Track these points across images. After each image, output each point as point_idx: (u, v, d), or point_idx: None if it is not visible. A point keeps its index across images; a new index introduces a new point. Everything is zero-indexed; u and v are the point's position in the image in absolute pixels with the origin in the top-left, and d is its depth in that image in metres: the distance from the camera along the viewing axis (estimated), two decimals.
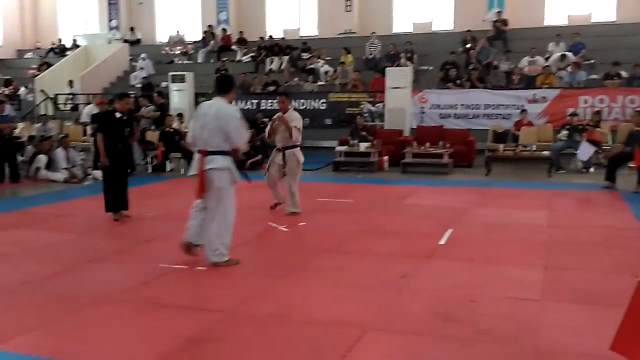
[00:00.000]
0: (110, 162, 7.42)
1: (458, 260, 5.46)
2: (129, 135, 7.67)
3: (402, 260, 5.46)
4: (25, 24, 23.29)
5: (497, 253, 5.72)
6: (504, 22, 17.03)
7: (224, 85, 5.23)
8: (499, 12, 17.25)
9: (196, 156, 5.15)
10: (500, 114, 13.62)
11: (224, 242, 5.15)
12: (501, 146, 11.74)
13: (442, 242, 6.15)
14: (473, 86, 14.31)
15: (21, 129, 13.96)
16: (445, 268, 5.25)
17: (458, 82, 14.51)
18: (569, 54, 15.00)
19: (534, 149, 11.45)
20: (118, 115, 7.53)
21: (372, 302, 4.35)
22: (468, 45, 16.22)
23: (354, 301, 4.38)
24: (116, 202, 7.51)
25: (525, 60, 15.03)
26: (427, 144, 12.02)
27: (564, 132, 11.85)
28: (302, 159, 7.60)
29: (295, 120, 7.51)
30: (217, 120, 4.97)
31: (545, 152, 11.37)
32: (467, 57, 15.68)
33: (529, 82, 14.28)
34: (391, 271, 5.10)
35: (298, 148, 7.58)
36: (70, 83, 18.18)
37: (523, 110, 12.96)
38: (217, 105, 5.11)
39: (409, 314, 4.14)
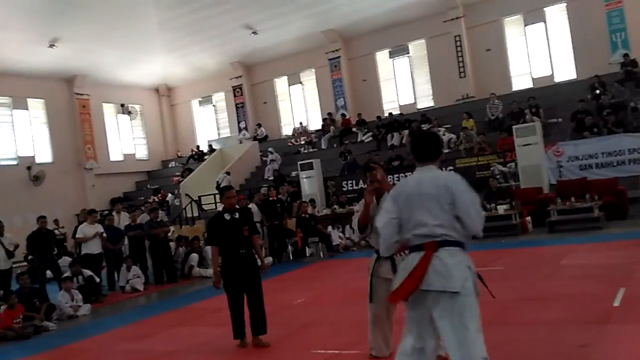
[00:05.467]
0: (232, 274, 5.79)
1: None
2: (249, 235, 5.93)
3: (575, 328, 5.01)
4: (167, 137, 25.90)
5: None
6: (634, 63, 16.01)
7: (431, 148, 3.38)
8: (625, 54, 16.30)
9: (410, 259, 3.26)
10: None
11: None
12: None
13: (616, 303, 5.58)
14: (611, 132, 13.41)
15: (172, 232, 15.14)
16: (630, 333, 4.72)
17: (595, 129, 13.68)
18: None
19: None
20: (227, 216, 5.92)
21: None
22: (598, 91, 15.37)
23: None
24: (244, 324, 5.87)
25: None
26: (572, 199, 11.28)
27: None
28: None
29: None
30: (438, 197, 3.23)
31: None
32: (598, 103, 14.82)
33: None
34: (567, 340, 4.68)
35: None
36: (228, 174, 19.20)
37: None
38: (432, 175, 3.31)
39: None
